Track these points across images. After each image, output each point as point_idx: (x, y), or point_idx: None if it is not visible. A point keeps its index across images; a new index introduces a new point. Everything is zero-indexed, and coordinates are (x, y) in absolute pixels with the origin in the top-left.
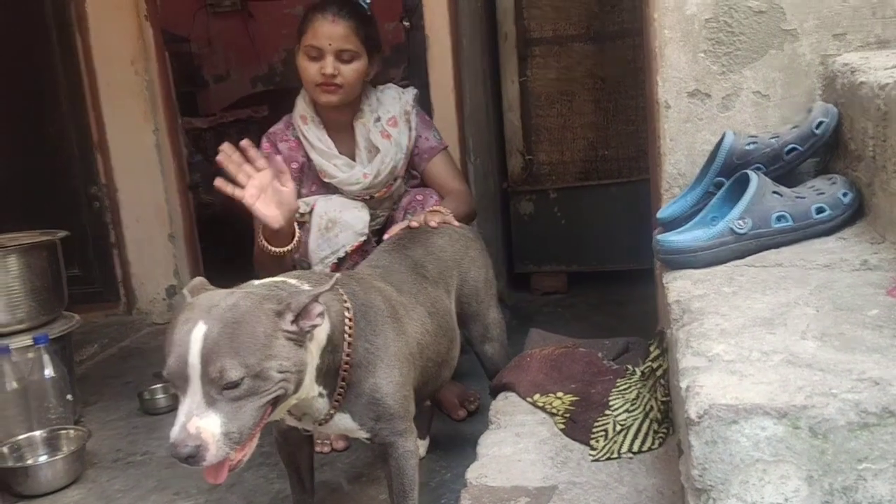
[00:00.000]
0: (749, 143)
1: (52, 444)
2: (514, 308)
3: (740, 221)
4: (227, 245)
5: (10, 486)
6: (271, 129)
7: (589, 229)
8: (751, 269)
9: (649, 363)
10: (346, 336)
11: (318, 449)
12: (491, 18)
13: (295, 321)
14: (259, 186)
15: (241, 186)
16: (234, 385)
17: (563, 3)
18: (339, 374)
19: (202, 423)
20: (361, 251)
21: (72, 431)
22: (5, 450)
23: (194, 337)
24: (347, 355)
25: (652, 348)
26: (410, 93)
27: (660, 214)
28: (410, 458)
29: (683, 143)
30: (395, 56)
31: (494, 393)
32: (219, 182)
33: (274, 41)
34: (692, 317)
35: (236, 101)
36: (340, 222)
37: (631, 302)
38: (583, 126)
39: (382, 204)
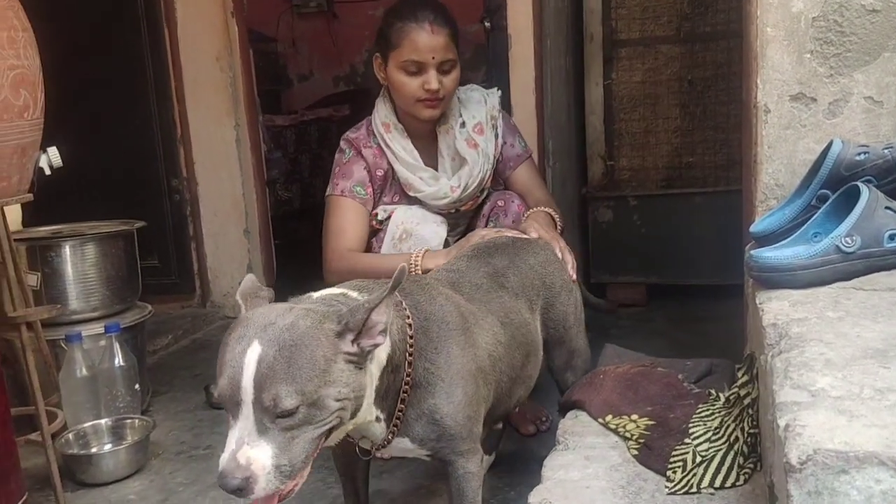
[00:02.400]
0: (859, 153)
1: (117, 433)
2: (588, 321)
3: (848, 239)
4: (303, 242)
5: (73, 474)
6: (352, 135)
7: (670, 240)
8: (859, 293)
9: (736, 389)
10: (407, 355)
11: (377, 454)
12: (576, 19)
13: (355, 341)
14: None
15: None
16: (289, 414)
17: (652, 3)
18: (398, 396)
19: (253, 454)
20: None
21: (137, 421)
22: (71, 436)
23: (248, 359)
24: (408, 375)
25: (740, 373)
26: (495, 95)
27: (753, 228)
28: (472, 479)
29: (783, 151)
30: (475, 59)
31: (563, 410)
32: None
33: (356, 42)
34: (791, 343)
35: (318, 101)
36: (416, 235)
37: (715, 319)
38: (667, 131)
39: (466, 214)
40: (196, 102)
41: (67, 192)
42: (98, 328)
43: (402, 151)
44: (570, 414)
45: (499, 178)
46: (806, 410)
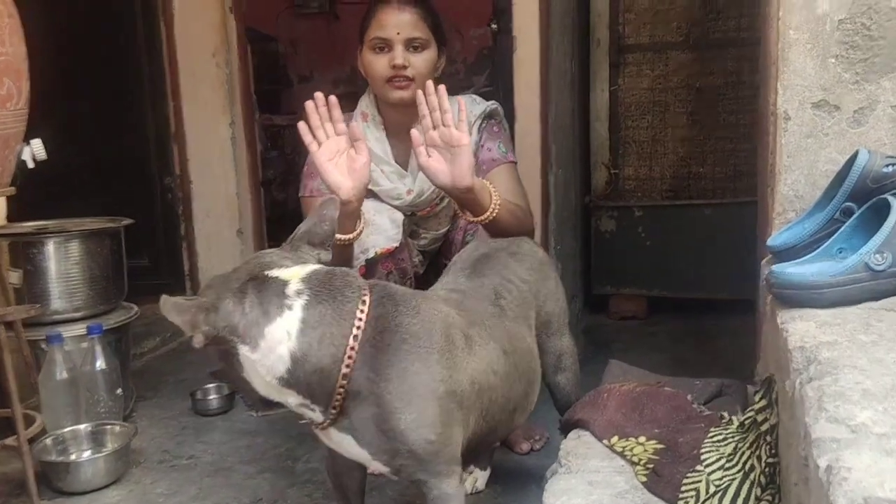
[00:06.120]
0: (888, 165)
1: (97, 439)
2: (589, 332)
3: (878, 256)
4: None
5: (50, 481)
6: None
7: (675, 252)
8: (891, 314)
9: (752, 413)
10: (343, 366)
11: (369, 470)
12: (583, 22)
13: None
14: (335, 149)
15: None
16: None
17: (663, 8)
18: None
19: None
20: (395, 259)
21: (118, 427)
22: (49, 442)
23: None
24: (342, 386)
25: (757, 397)
26: (483, 105)
27: (771, 241)
28: (449, 500)
29: (803, 160)
30: (479, 63)
31: (565, 429)
32: (301, 125)
33: (357, 43)
34: (822, 369)
35: None
36: (372, 224)
37: (720, 336)
38: (675, 140)
39: (428, 222)
40: (192, 99)
41: (55, 188)
42: (80, 329)
43: (374, 141)
44: (572, 434)
45: None
46: (848, 450)
